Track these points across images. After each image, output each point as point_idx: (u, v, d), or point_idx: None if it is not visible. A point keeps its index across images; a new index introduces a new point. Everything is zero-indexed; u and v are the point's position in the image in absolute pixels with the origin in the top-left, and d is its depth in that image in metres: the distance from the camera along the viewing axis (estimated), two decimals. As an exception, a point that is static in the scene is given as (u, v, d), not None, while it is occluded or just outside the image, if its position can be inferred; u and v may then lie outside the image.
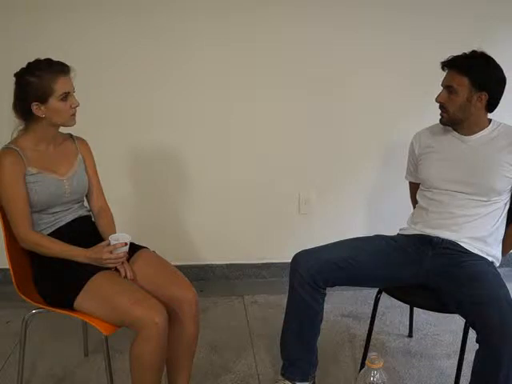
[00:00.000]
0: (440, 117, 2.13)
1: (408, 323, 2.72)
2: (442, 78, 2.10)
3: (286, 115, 3.10)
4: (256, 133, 3.12)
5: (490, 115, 2.13)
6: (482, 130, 2.11)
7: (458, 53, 2.06)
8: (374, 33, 2.99)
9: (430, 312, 2.35)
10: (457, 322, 2.64)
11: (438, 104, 2.10)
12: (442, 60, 2.08)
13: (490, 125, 2.11)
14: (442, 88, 2.10)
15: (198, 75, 2.98)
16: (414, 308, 2.66)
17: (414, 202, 2.37)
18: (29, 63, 1.92)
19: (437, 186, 2.17)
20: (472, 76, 2.00)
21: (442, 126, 2.21)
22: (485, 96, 2.03)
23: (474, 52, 2.05)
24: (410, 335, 2.71)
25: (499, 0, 3.03)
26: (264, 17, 2.92)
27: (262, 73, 3.01)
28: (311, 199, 3.27)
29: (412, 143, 2.33)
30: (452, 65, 2.05)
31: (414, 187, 2.38)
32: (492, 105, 2.08)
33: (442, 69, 2.09)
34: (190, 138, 3.08)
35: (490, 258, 2.10)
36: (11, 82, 1.92)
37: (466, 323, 1.95)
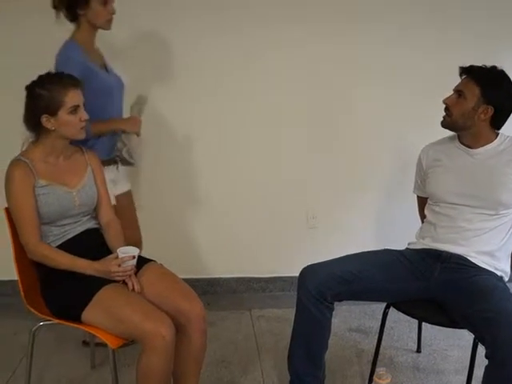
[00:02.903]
0: (442, 119, 2.14)
1: (416, 338, 2.70)
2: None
3: (295, 130, 3.11)
4: (266, 147, 3.13)
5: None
6: (488, 143, 2.11)
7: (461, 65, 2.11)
8: (376, 46, 3.02)
9: (439, 327, 2.34)
10: (465, 337, 2.61)
11: (444, 106, 2.12)
12: (461, 66, 2.11)
13: (497, 138, 2.11)
14: None
15: (210, 83, 3.00)
16: (423, 323, 2.63)
17: (422, 216, 2.36)
18: (39, 76, 1.94)
19: (444, 200, 2.17)
20: (484, 88, 2.03)
21: (449, 139, 2.23)
22: (491, 110, 2.03)
23: (493, 67, 2.08)
24: (419, 350, 2.68)
25: (501, 15, 3.05)
26: (267, 19, 2.94)
27: (272, 86, 3.03)
28: (319, 213, 3.26)
29: (420, 157, 2.33)
30: (469, 72, 2.08)
31: (422, 201, 2.37)
32: (498, 121, 2.09)
33: (460, 75, 2.11)
34: (200, 152, 3.10)
35: (498, 273, 2.09)
36: (23, 94, 1.94)
37: (474, 338, 1.93)
